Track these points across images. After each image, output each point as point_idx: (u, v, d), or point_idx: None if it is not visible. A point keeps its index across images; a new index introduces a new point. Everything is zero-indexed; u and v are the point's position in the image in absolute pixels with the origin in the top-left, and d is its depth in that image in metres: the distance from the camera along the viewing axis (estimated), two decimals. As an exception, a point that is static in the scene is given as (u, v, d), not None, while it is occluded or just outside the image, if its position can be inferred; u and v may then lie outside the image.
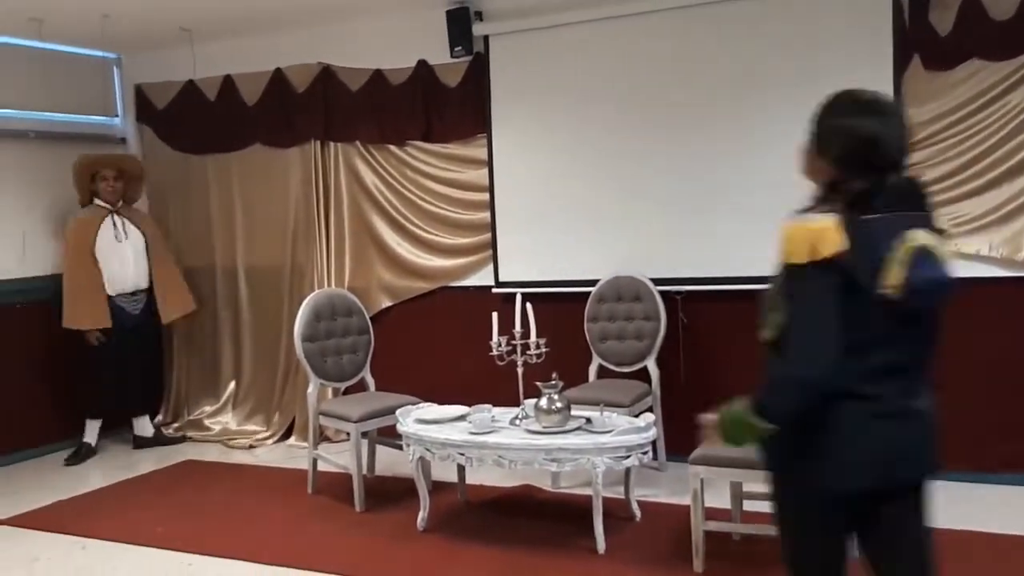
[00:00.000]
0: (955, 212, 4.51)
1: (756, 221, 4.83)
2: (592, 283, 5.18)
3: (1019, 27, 4.30)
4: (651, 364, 4.97)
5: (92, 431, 5.98)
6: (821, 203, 2.23)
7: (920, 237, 2.07)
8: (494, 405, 4.32)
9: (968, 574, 3.49)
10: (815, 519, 2.25)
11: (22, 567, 4.13)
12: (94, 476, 5.57)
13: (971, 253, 4.48)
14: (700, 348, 5.08)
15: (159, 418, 6.59)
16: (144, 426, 6.20)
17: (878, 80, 4.53)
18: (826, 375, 2.09)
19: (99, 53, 6.50)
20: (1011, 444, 4.50)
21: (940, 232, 2.16)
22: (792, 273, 2.14)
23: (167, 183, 6.55)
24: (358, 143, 5.88)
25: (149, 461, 5.81)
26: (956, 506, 4.21)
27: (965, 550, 3.70)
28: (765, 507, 3.83)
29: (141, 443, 6.14)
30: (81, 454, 5.89)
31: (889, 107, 2.27)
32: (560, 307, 5.22)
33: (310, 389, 4.92)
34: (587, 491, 3.93)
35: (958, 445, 4.53)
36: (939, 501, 4.22)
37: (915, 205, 2.18)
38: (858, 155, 2.15)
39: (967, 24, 4.39)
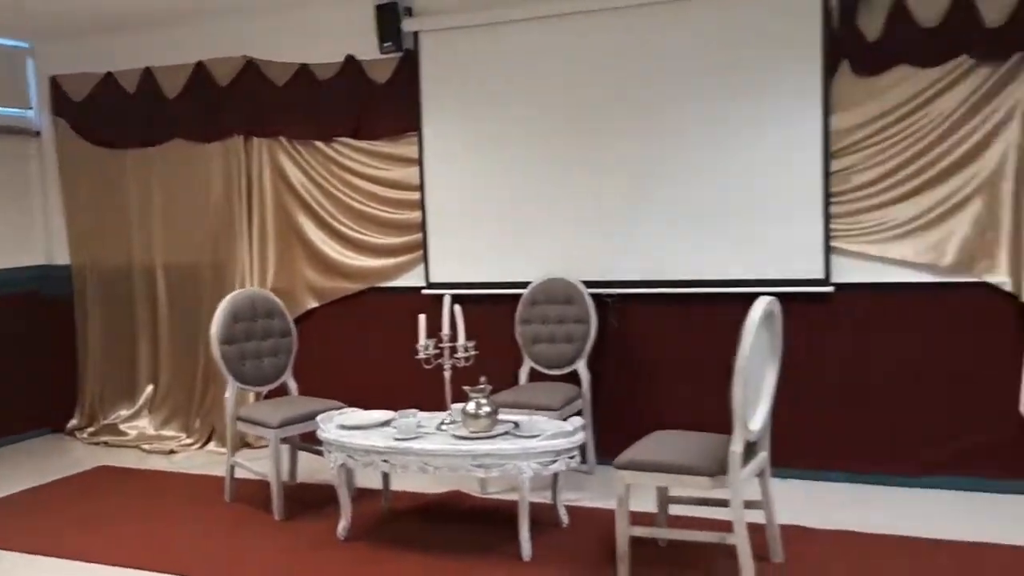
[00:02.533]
0: (882, 217, 4.55)
1: (688, 225, 4.86)
2: (524, 285, 5.11)
3: (946, 34, 4.34)
4: (581, 367, 4.92)
5: None
6: None
7: None
8: (421, 410, 4.22)
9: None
10: None
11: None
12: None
13: (896, 258, 4.52)
14: (631, 351, 5.04)
15: (73, 422, 6.35)
16: None
17: (807, 84, 4.57)
18: None
19: (10, 42, 6.22)
20: (942, 446, 4.55)
21: None
22: None
23: (82, 178, 6.30)
24: (283, 139, 5.72)
25: (61, 466, 5.55)
26: (877, 510, 4.27)
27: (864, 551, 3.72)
28: (691, 512, 3.85)
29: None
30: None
31: None
32: (492, 309, 5.13)
33: (227, 393, 4.76)
34: (516, 496, 3.84)
35: (875, 448, 4.63)
36: (859, 504, 4.32)
37: None
38: None
39: (895, 30, 4.43)
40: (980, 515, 4.17)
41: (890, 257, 4.53)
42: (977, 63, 4.32)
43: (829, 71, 4.55)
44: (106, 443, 6.10)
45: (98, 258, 6.29)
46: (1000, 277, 4.36)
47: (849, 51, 4.53)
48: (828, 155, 4.58)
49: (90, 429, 6.29)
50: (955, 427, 4.50)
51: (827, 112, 4.56)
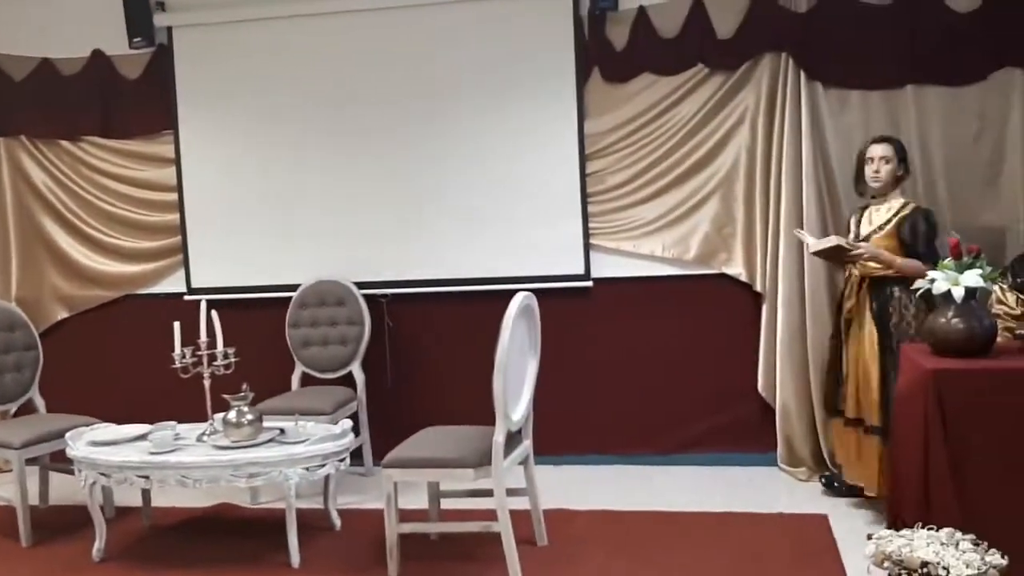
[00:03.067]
0: (632, 216, 4.85)
1: (457, 225, 4.95)
2: (293, 288, 5.03)
3: (684, 45, 4.69)
4: (356, 369, 4.91)
5: None
6: None
7: None
8: (183, 422, 4.06)
9: (647, 550, 3.74)
10: None
11: None
12: None
13: (646, 253, 4.83)
14: (407, 351, 5.07)
15: None
16: None
17: (563, 90, 4.79)
18: None
19: None
20: (692, 425, 4.88)
21: None
22: None
23: None
24: (23, 137, 5.32)
25: None
26: (638, 488, 4.55)
27: (647, 528, 3.98)
28: (463, 504, 3.94)
29: None
30: None
31: None
32: (260, 314, 5.04)
33: (-37, 414, 4.36)
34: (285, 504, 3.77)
35: (635, 431, 4.93)
36: (621, 485, 4.58)
37: None
38: None
39: (639, 40, 4.73)
40: (727, 487, 4.52)
41: (641, 252, 4.84)
42: (711, 71, 4.69)
43: (582, 77, 4.79)
44: None
45: None
46: (737, 268, 4.75)
47: (599, 59, 4.79)
48: (584, 158, 4.81)
49: None
50: (703, 407, 4.86)
51: (582, 117, 4.80)
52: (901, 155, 4.01)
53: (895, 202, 4.00)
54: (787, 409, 4.63)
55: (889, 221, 3.96)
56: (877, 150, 4.01)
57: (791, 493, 4.43)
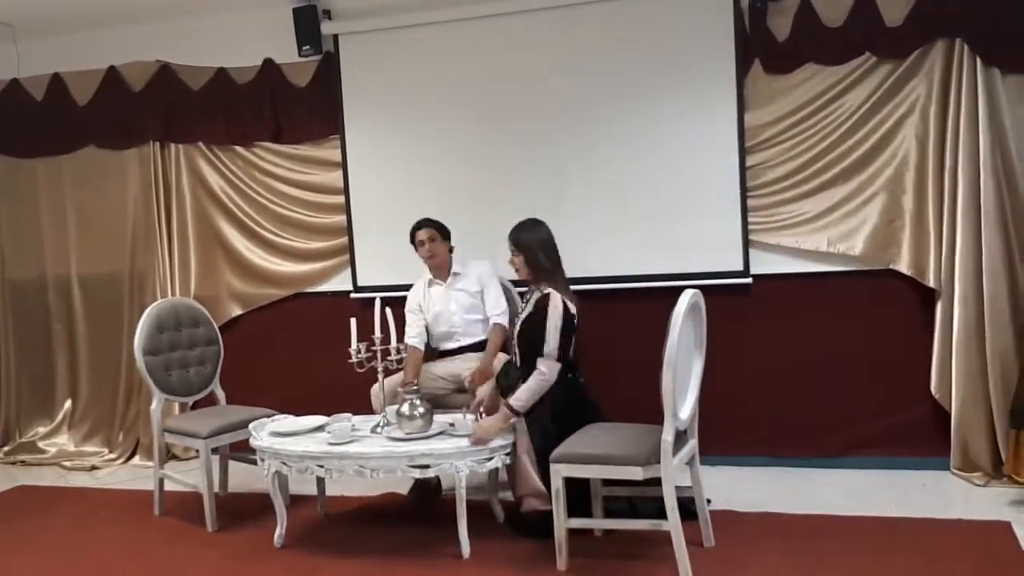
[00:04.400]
0: (796, 210, 4.72)
1: (612, 222, 4.94)
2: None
3: (849, 34, 4.53)
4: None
5: None
6: None
7: None
8: (355, 414, 4.21)
9: (818, 555, 3.65)
10: None
11: None
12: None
13: (811, 249, 4.69)
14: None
15: (-13, 441, 6.14)
16: None
17: (722, 83, 4.71)
18: None
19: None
20: (859, 427, 4.73)
21: None
22: None
23: (-11, 189, 6.08)
24: (201, 144, 5.62)
25: (-26, 489, 5.36)
26: (803, 491, 4.44)
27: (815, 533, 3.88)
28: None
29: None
30: None
31: None
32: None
33: (153, 405, 4.65)
34: (453, 495, 3.86)
35: (800, 432, 4.80)
36: (786, 487, 4.48)
37: None
38: None
39: (802, 30, 4.60)
40: (898, 491, 4.36)
41: (804, 248, 4.71)
42: (879, 60, 4.52)
43: (742, 70, 4.71)
44: (23, 462, 5.90)
45: (9, 271, 6.08)
46: (907, 264, 4.56)
47: (760, 50, 4.69)
48: (744, 151, 4.73)
49: (5, 448, 6.06)
50: (872, 408, 4.69)
51: (742, 109, 4.71)
52: None
53: None
54: (964, 412, 4.42)
55: None
56: None
57: (967, 499, 4.23)
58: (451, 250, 4.71)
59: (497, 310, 4.56)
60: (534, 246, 4.05)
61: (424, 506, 4.53)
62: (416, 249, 4.68)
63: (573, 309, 3.95)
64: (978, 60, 4.32)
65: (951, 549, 3.61)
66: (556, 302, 3.88)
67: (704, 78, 4.76)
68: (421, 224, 4.66)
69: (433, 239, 4.63)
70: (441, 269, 4.68)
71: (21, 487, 5.39)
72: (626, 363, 4.70)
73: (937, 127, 4.46)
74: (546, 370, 3.83)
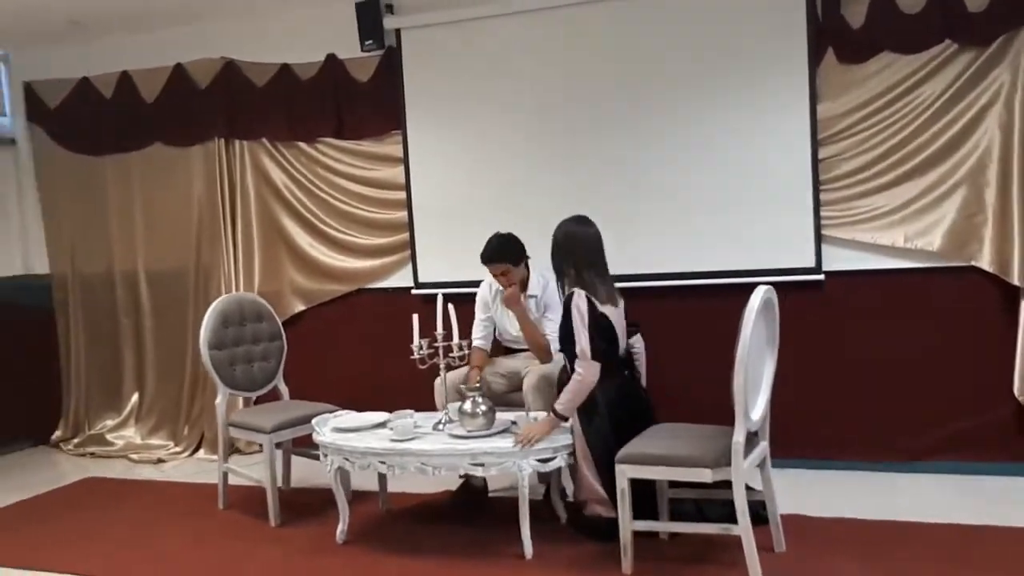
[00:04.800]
0: (871, 204, 4.55)
1: (682, 218, 4.84)
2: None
3: (929, 20, 4.36)
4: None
5: None
6: None
7: None
8: (417, 410, 4.18)
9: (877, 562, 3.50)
10: None
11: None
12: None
13: (887, 245, 4.52)
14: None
15: (58, 433, 6.26)
16: None
17: (793, 73, 4.57)
18: None
19: (-18, 49, 6.12)
20: (938, 430, 4.56)
21: None
22: None
23: (61, 185, 6.22)
24: (265, 140, 5.65)
25: (46, 480, 5.46)
26: (879, 496, 4.28)
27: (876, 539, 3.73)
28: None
29: None
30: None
31: None
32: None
33: (218, 399, 4.68)
34: (514, 494, 3.80)
35: (875, 435, 4.63)
36: (861, 491, 4.32)
37: None
38: None
39: (878, 17, 4.43)
40: (978, 497, 4.18)
41: (880, 244, 4.54)
42: (960, 48, 4.34)
43: (815, 59, 4.55)
44: (92, 454, 6.02)
45: (79, 266, 6.21)
46: (989, 261, 4.37)
47: (834, 39, 4.54)
48: (816, 143, 4.58)
49: (75, 440, 6.20)
50: (951, 411, 4.52)
51: (814, 100, 4.56)
52: None
53: None
54: (1051, 415, 4.22)
55: None
56: None
57: (1054, 507, 4.04)
58: (527, 264, 4.48)
59: (552, 334, 4.28)
60: (566, 241, 3.95)
61: (469, 506, 4.47)
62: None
63: (604, 308, 3.82)
64: (1066, 47, 4.12)
65: (1036, 560, 3.44)
66: (578, 300, 3.78)
67: (775, 68, 4.62)
68: (489, 258, 4.37)
69: (506, 272, 4.36)
70: (520, 288, 4.45)
71: (90, 479, 5.48)
72: (696, 362, 4.59)
73: (1022, 118, 4.25)
74: (582, 371, 3.74)
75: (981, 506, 4.06)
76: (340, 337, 5.62)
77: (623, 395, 3.90)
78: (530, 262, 4.52)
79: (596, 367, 3.74)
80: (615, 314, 3.89)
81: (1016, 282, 4.31)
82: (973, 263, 4.41)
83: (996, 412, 4.43)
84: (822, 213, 4.61)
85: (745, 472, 3.35)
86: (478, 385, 3.98)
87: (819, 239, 4.62)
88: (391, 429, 3.95)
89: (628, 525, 3.51)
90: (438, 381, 4.28)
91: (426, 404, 4.37)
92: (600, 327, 3.79)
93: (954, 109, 4.38)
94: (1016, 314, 4.34)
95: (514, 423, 3.93)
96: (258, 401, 5.12)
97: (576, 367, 3.77)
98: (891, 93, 4.46)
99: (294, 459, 4.95)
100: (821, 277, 4.63)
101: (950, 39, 4.35)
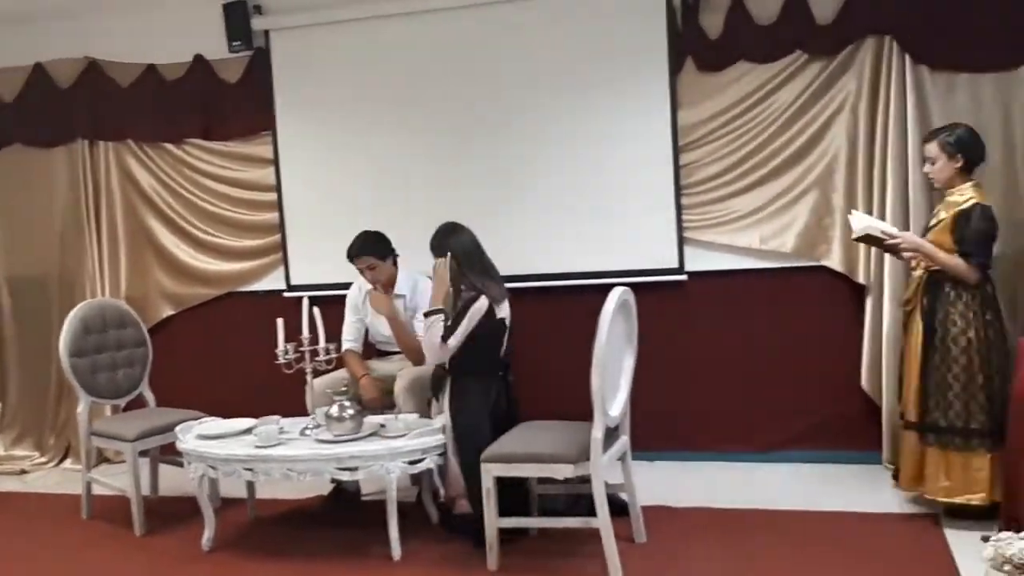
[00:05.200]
0: (729, 208, 4.75)
1: (548, 220, 4.93)
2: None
3: (781, 32, 4.56)
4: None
5: None
6: None
7: None
8: (285, 416, 4.14)
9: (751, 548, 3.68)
10: None
11: None
12: None
13: (744, 246, 4.73)
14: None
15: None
16: None
17: (655, 81, 4.72)
18: None
19: None
20: (792, 422, 4.77)
21: None
22: None
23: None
24: (131, 141, 5.51)
25: None
26: (736, 486, 4.47)
27: (746, 526, 3.91)
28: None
29: None
30: None
31: None
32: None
33: (80, 408, 4.55)
34: (384, 497, 3.82)
35: (733, 427, 4.82)
36: (719, 482, 4.50)
37: None
38: None
39: (734, 28, 4.62)
40: (831, 485, 4.40)
41: (738, 245, 4.73)
42: (810, 58, 4.56)
43: (675, 67, 4.72)
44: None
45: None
46: (837, 260, 4.61)
47: (693, 48, 4.71)
48: (677, 149, 4.74)
49: (-69, 453, 5.90)
50: (804, 403, 4.74)
51: (675, 108, 4.73)
52: (958, 147, 3.75)
53: (959, 196, 3.76)
54: (894, 406, 4.46)
55: (947, 216, 3.77)
56: (925, 149, 3.88)
57: (898, 493, 4.28)
58: (395, 261, 4.52)
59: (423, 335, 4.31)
60: (460, 250, 3.97)
61: (341, 511, 4.46)
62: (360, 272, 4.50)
63: (501, 313, 3.91)
64: (907, 57, 4.38)
65: (880, 542, 3.66)
66: (481, 306, 3.84)
67: (639, 75, 4.76)
68: (356, 252, 4.40)
69: (373, 267, 4.40)
70: (388, 286, 4.51)
71: (-56, 493, 5.24)
72: (561, 361, 4.66)
73: (867, 124, 4.51)
74: (433, 348, 3.81)
75: (833, 493, 4.28)
76: (211, 342, 5.52)
77: (499, 396, 3.97)
78: (399, 261, 4.53)
79: (442, 357, 3.87)
80: (508, 313, 3.97)
81: (862, 281, 4.57)
82: (824, 263, 4.65)
83: (846, 404, 4.67)
84: (684, 216, 4.78)
85: (604, 466, 3.46)
86: (345, 389, 3.98)
87: (681, 241, 4.79)
88: (256, 435, 3.92)
89: (494, 523, 3.58)
90: (317, 380, 4.26)
91: (299, 409, 4.33)
92: (493, 333, 3.89)
93: (805, 116, 4.60)
94: (863, 311, 4.59)
95: (383, 426, 3.95)
96: (126, 409, 4.98)
97: (440, 338, 3.78)
98: (747, 101, 4.66)
99: (164, 467, 4.84)
100: (684, 277, 4.80)
101: (800, 49, 4.57)
